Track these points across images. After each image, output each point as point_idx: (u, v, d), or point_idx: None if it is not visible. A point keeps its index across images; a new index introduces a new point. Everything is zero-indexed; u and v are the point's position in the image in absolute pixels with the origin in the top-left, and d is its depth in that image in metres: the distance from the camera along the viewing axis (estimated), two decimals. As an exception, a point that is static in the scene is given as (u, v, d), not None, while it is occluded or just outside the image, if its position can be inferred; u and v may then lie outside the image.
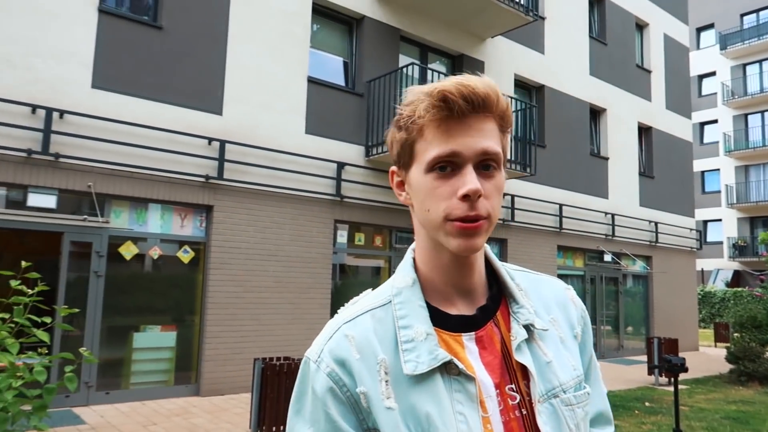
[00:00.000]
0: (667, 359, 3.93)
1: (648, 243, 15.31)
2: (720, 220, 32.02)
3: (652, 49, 16.61)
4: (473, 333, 0.86)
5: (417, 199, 0.86)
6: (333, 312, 8.96)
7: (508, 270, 0.95)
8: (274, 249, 8.54)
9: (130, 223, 7.51)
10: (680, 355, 10.26)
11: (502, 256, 11.70)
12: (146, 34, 7.67)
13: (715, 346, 17.72)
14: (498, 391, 0.83)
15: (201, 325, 7.91)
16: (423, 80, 10.44)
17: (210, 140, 8.01)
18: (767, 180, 30.63)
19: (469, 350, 0.84)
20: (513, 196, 11.85)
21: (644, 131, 16.22)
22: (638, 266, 15.03)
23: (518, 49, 12.64)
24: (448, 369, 0.81)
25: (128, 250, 7.45)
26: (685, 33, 18.15)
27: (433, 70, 9.95)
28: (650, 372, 10.23)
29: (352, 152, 9.59)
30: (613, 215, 14.26)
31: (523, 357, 0.86)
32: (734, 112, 32.47)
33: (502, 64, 12.24)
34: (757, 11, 32.50)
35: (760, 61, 31.91)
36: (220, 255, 8.01)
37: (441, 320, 0.85)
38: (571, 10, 14.09)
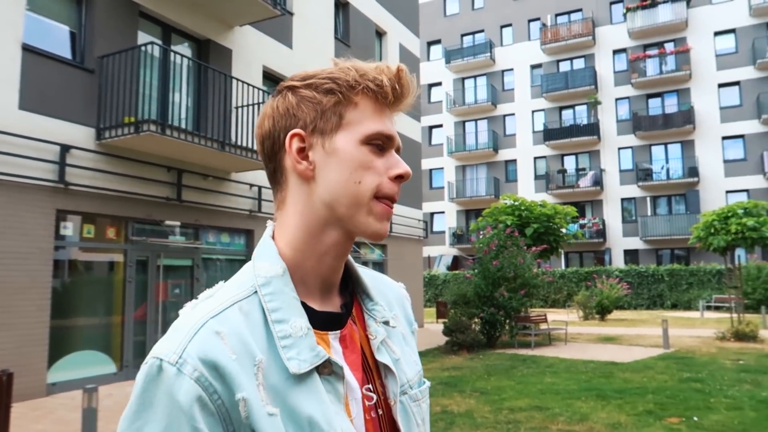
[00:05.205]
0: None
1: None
2: (443, 212, 36.78)
3: (389, 56, 18.24)
4: (338, 331, 0.80)
5: (342, 170, 0.78)
6: (54, 314, 7.97)
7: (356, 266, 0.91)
8: (-25, 243, 7.22)
9: None
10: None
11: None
12: None
13: (437, 322, 20.35)
14: (360, 392, 0.79)
15: None
16: (165, 62, 9.84)
17: None
18: (479, 178, 36.17)
19: (334, 349, 0.78)
20: (261, 188, 11.92)
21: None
22: (376, 254, 16.45)
23: (267, 41, 12.72)
24: (319, 368, 0.74)
25: None
26: (417, 45, 20.34)
27: (176, 53, 9.44)
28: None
29: (79, 134, 8.58)
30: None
31: (383, 356, 0.83)
32: (455, 119, 37.61)
33: (250, 54, 12.18)
34: (473, 33, 38.00)
35: (474, 77, 37.41)
36: None
37: (309, 317, 0.77)
38: (318, 9, 14.66)
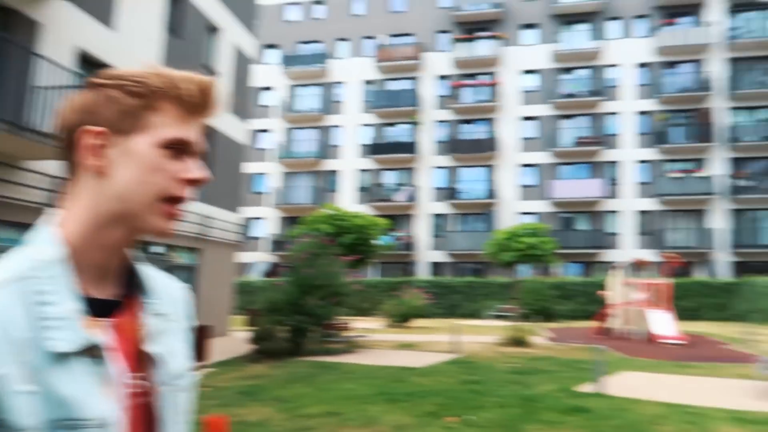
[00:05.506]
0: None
1: (197, 236, 16.27)
2: (263, 218, 36.41)
3: (222, 54, 17.80)
4: (112, 319, 0.84)
5: (134, 170, 0.82)
6: None
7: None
8: None
9: None
10: (213, 340, 11.34)
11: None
12: None
13: (246, 330, 20.10)
14: (125, 378, 0.83)
15: None
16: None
17: None
18: (303, 186, 36.51)
19: (106, 336, 0.82)
20: (60, 180, 10.93)
21: (206, 129, 17.22)
22: (185, 258, 15.89)
23: (86, 21, 11.72)
24: (86, 352, 0.77)
25: None
26: (253, 47, 20.11)
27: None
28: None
29: None
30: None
31: (153, 347, 0.88)
32: (286, 125, 37.57)
33: (64, 32, 11.12)
34: (310, 42, 38.44)
35: (308, 85, 37.82)
36: None
37: (85, 303, 0.80)
38: (143, -4, 13.87)
